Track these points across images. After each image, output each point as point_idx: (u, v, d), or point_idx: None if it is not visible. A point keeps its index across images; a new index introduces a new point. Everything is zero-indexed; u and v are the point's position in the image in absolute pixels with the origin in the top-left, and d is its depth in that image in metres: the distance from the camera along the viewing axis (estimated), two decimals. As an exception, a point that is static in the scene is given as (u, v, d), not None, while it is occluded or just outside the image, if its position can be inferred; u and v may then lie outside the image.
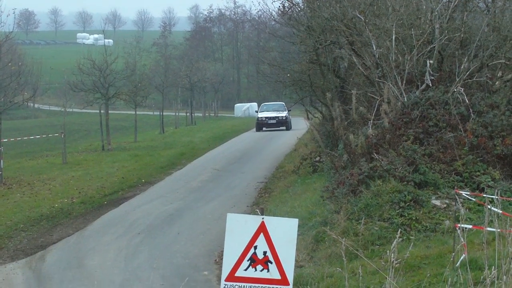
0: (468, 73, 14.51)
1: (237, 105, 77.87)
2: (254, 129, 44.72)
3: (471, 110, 13.82)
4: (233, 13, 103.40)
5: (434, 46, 15.14)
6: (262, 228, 6.10)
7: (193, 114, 59.28)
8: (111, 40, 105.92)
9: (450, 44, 15.54)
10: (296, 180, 19.72)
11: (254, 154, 29.74)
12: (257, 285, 6.12)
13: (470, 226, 9.51)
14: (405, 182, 12.31)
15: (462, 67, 14.63)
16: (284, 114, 44.80)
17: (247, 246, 6.10)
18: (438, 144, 13.45)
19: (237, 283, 6.12)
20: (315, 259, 11.09)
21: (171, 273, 12.07)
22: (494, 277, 6.12)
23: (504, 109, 13.83)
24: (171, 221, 16.32)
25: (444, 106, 14.07)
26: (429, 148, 13.33)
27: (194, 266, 12.46)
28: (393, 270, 6.27)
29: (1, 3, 23.76)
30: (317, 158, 20.80)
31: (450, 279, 6.94)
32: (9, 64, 26.16)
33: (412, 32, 15.43)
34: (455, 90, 14.15)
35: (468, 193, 11.36)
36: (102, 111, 36.13)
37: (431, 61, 14.89)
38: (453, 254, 8.63)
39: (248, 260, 6.11)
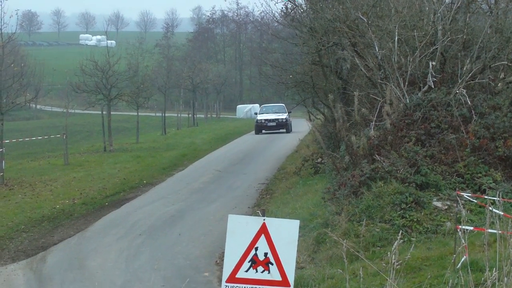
0: (470, 74, 14.49)
1: (239, 107, 78.01)
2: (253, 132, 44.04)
3: (473, 112, 13.79)
4: (235, 14, 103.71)
5: (437, 48, 15.11)
6: (263, 230, 6.08)
7: (195, 116, 59.37)
8: (113, 41, 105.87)
9: (453, 45, 15.52)
10: (298, 181, 19.71)
11: (256, 156, 29.76)
12: (258, 286, 6.10)
13: (472, 228, 9.48)
14: (407, 184, 12.29)
15: (464, 69, 14.61)
16: (284, 116, 43.68)
17: (248, 247, 6.08)
18: (440, 146, 13.42)
19: (238, 285, 6.10)
20: (316, 260, 11.07)
21: (172, 274, 12.06)
22: (495, 279, 6.12)
23: (506, 110, 13.80)
24: (172, 222, 16.31)
25: (446, 108, 14.05)
26: (431, 149, 13.31)
27: (195, 267, 12.45)
28: (394, 271, 6.27)
29: (4, 4, 23.79)
30: (319, 160, 20.82)
31: (451, 280, 6.94)
32: (12, 65, 26.14)
33: (415, 33, 15.41)
34: (457, 91, 14.13)
35: (470, 194, 11.33)
36: (104, 112, 36.19)
37: (434, 63, 14.87)
38: (454, 255, 8.62)
39: (249, 262, 6.09)
